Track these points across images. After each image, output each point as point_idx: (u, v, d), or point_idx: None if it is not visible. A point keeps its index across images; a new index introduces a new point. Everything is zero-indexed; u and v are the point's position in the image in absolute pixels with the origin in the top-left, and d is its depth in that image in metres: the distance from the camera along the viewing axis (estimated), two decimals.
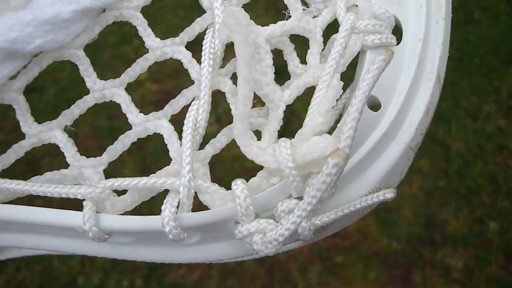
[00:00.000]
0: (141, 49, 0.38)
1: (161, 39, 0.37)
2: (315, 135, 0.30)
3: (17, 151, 0.35)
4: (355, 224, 1.33)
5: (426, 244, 1.30)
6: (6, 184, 0.33)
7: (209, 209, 0.31)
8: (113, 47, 1.57)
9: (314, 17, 0.36)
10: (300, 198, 0.30)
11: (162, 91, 1.50)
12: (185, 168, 0.31)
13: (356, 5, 0.35)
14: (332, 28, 0.35)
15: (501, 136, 1.45)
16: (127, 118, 0.36)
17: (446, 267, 1.28)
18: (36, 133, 0.36)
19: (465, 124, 1.47)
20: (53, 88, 1.53)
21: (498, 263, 1.27)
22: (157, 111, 0.35)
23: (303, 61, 0.35)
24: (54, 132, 0.36)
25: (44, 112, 1.40)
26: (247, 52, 0.30)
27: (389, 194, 0.32)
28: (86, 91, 0.37)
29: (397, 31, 0.35)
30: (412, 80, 0.34)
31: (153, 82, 1.48)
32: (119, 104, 0.36)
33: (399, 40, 0.35)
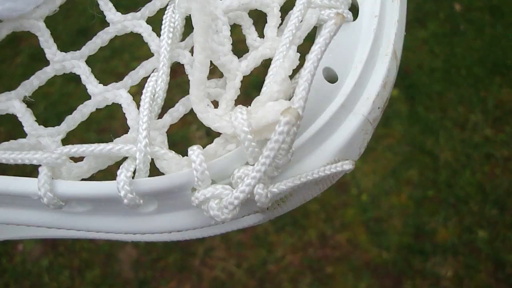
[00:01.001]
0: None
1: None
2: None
3: None
4: (345, 235, 1.33)
5: (416, 254, 1.31)
6: None
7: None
8: (103, 62, 1.58)
9: None
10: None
11: None
12: (142, 133, 0.31)
13: None
14: (290, 7, 0.36)
15: (488, 145, 1.47)
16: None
17: (436, 276, 1.28)
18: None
19: (453, 134, 1.49)
20: (43, 102, 1.53)
21: (488, 271, 1.28)
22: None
23: (262, 36, 0.36)
24: (13, 102, 0.35)
25: None
26: (204, 20, 0.30)
27: (347, 165, 0.32)
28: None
29: (354, 11, 0.36)
30: (369, 55, 0.35)
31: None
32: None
33: (355, 17, 0.36)
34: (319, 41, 0.29)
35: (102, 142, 0.34)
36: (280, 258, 1.31)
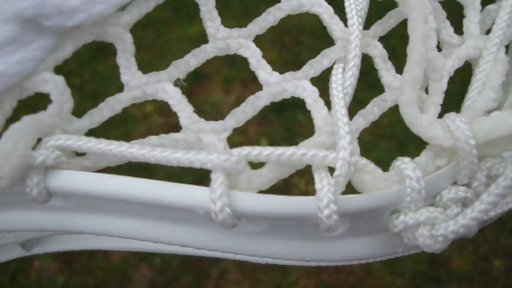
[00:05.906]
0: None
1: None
2: (486, 112, 0.26)
3: (112, 105, 0.28)
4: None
5: (431, 282, 1.30)
6: (102, 145, 0.24)
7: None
8: (120, 80, 1.60)
9: None
10: (467, 185, 0.26)
11: (168, 124, 1.52)
12: (345, 138, 0.24)
13: None
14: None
15: None
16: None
17: None
18: (140, 84, 0.28)
19: None
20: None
21: None
22: None
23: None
24: (164, 85, 0.28)
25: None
26: (422, 4, 0.25)
27: None
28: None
29: None
30: None
31: (160, 115, 1.51)
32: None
33: None
34: None
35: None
36: (294, 282, 1.31)
